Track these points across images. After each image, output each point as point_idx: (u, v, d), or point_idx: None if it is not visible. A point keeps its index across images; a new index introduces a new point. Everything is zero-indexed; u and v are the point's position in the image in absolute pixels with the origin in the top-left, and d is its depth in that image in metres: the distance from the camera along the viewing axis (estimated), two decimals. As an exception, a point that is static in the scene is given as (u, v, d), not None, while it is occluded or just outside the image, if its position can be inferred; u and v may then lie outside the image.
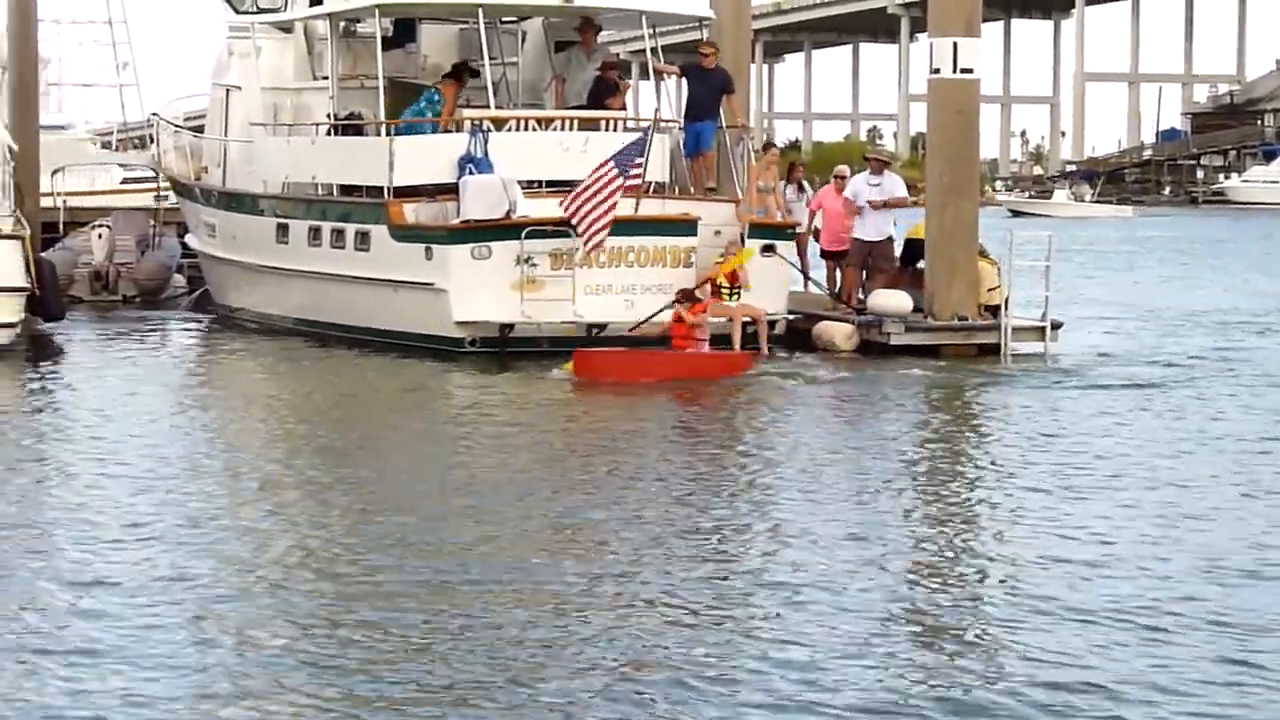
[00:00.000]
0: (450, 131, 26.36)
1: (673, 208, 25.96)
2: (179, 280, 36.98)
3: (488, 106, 26.29)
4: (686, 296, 23.34)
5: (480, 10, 26.56)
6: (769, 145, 26.56)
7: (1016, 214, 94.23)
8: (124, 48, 69.68)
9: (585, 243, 24.04)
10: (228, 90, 31.36)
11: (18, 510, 14.01)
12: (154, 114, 37.96)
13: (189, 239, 34.65)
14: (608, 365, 22.62)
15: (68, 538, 12.94)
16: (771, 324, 25.36)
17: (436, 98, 26.86)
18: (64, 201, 40.23)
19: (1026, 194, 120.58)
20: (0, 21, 35.68)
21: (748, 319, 24.86)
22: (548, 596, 11.15)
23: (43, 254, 29.23)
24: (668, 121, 27.57)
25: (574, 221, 24.01)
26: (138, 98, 68.64)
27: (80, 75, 70.15)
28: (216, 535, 13.10)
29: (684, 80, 27.96)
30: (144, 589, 11.36)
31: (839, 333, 25.53)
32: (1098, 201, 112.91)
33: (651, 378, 22.22)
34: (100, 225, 37.09)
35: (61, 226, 38.68)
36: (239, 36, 31.04)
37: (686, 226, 25.39)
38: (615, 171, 23.76)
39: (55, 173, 39.59)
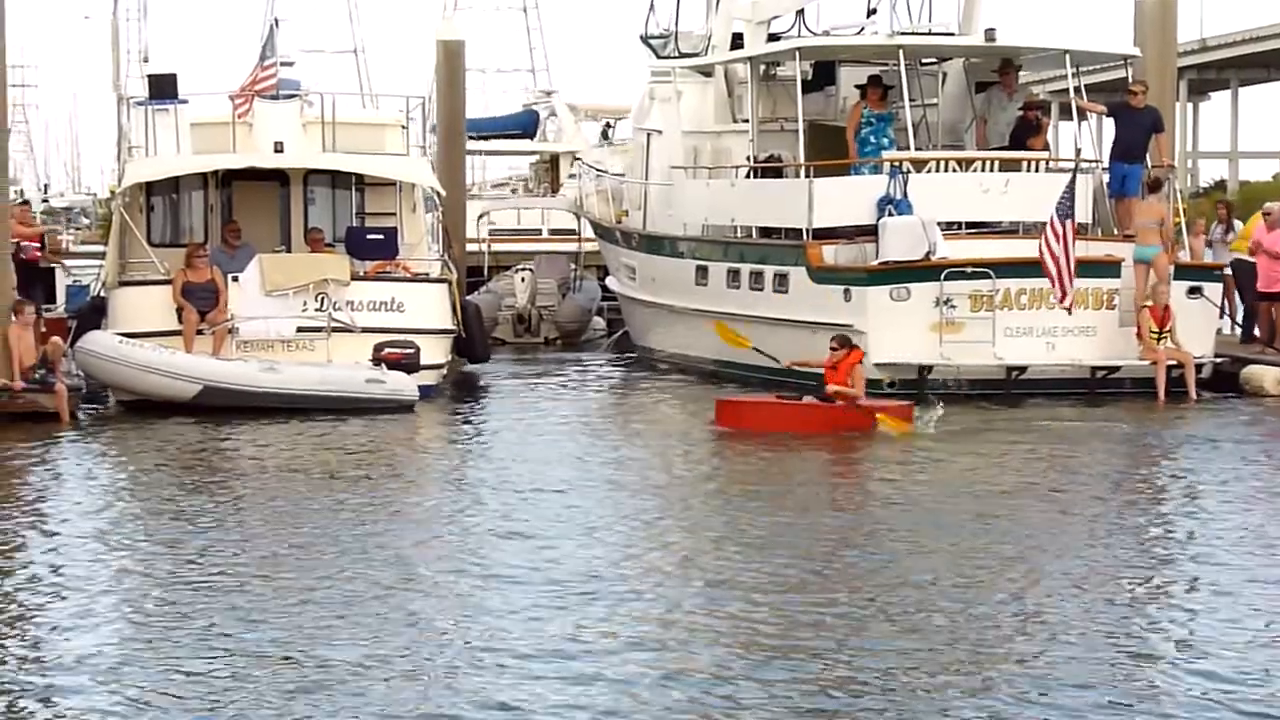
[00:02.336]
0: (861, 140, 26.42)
1: (1095, 249, 25.39)
2: (599, 323, 37.63)
3: (908, 148, 26.10)
4: (843, 343, 21.78)
5: (900, 51, 26.43)
6: (1157, 184, 25.72)
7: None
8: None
9: (1063, 297, 23.59)
10: (649, 134, 31.80)
11: (448, 557, 14.27)
12: (577, 158, 38.70)
13: (609, 281, 35.20)
14: (748, 415, 21.57)
15: (503, 579, 13.14)
16: (1199, 367, 24.61)
17: (880, 125, 26.80)
18: (488, 246, 41.31)
19: None
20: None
21: (1174, 362, 24.19)
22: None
23: (468, 297, 29.98)
24: (1090, 161, 27.02)
25: (1050, 276, 23.46)
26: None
27: (505, 123, 71.91)
28: (659, 566, 13.18)
29: (1109, 119, 27.39)
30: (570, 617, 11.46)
31: (1268, 377, 24.60)
32: None
33: (794, 429, 20.89)
34: (523, 269, 37.97)
35: (486, 270, 39.70)
36: (660, 81, 31.45)
37: (1110, 268, 24.85)
38: (1060, 219, 23.27)
39: (480, 217, 40.67)
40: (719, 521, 15.54)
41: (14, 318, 22.85)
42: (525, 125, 50.62)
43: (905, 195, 25.15)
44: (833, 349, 21.59)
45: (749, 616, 11.68)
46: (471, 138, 41.91)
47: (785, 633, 11.23)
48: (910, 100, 26.23)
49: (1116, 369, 24.63)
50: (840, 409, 21.34)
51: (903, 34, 27.54)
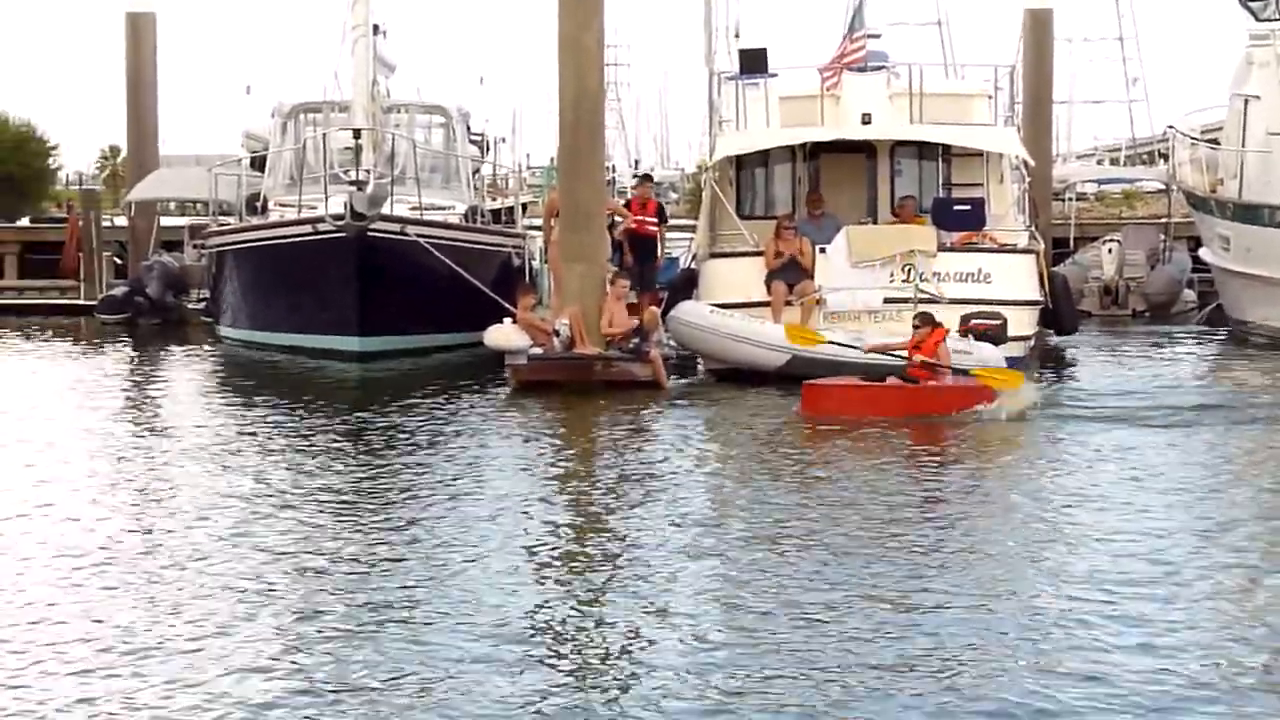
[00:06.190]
0: None
1: None
2: (1189, 295, 36.59)
3: None
4: (925, 321, 20.44)
5: None
6: None
7: None
8: (1134, 63, 69.78)
9: None
10: (1246, 100, 30.72)
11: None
12: (1170, 127, 37.71)
13: (1202, 252, 34.18)
14: (836, 400, 20.07)
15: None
16: None
17: None
18: (1075, 216, 40.70)
19: None
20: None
21: None
22: None
23: (1054, 269, 29.49)
24: None
25: None
26: (1146, 113, 68.61)
27: (1091, 93, 70.67)
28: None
29: None
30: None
31: None
32: None
33: (885, 413, 19.49)
34: (1110, 240, 37.28)
35: (1072, 241, 39.12)
36: (1259, 45, 30.35)
37: None
38: None
39: (1065, 189, 40.07)
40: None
41: (609, 288, 23.58)
42: None
43: None
44: (915, 326, 20.76)
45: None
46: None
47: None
48: None
49: None
50: (928, 390, 20.23)
51: None
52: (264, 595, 11.39)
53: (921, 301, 23.91)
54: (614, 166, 59.21)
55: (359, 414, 20.56)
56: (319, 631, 10.46)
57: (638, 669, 9.70)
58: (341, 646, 10.10)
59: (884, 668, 9.63)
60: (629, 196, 30.61)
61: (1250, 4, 31.21)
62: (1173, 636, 10.19)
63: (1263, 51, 30.27)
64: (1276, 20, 30.22)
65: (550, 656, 9.92)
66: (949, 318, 23.53)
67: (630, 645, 10.20)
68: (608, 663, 9.85)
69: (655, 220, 26.83)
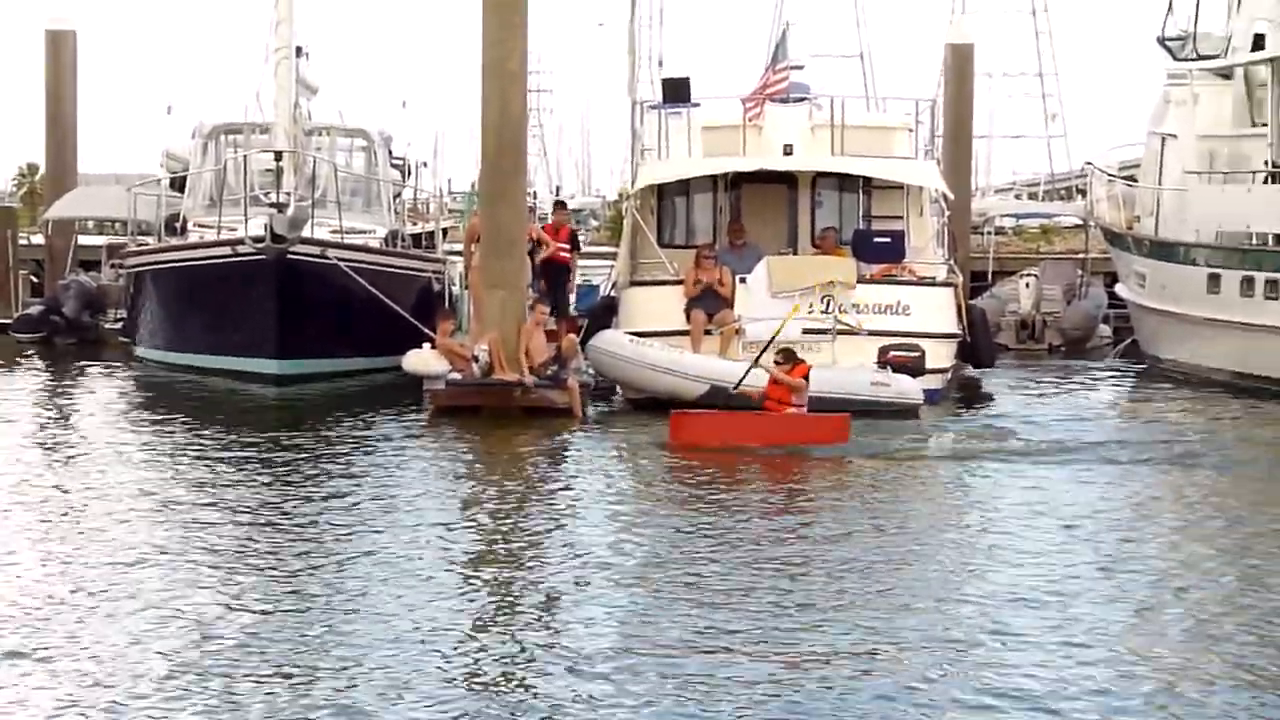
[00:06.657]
0: None
1: None
2: (1105, 330, 36.89)
3: None
4: (788, 357, 20.82)
5: None
6: None
7: None
8: (1053, 99, 70.36)
9: None
10: (1163, 139, 31.05)
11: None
12: (1088, 163, 38.07)
13: (1118, 288, 34.48)
14: (703, 429, 20.35)
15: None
16: None
17: None
18: (993, 250, 40.98)
19: None
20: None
21: None
22: None
23: (972, 302, 29.67)
24: None
25: None
26: (1065, 148, 69.16)
27: (1010, 127, 71.21)
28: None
29: None
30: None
31: None
32: None
33: (749, 443, 19.80)
34: (1027, 274, 37.55)
35: (990, 275, 39.38)
36: (1176, 84, 30.70)
37: None
38: None
39: (983, 223, 40.34)
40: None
41: (529, 315, 23.56)
42: None
43: None
44: (777, 362, 20.90)
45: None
46: None
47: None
48: None
49: None
50: (791, 419, 20.43)
51: None
52: (155, 620, 11.32)
53: (840, 333, 24.02)
54: (535, 193, 59.20)
55: (271, 437, 20.46)
56: (180, 668, 10.24)
57: (524, 703, 9.64)
58: (218, 681, 9.97)
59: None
60: (546, 222, 30.65)
61: (1168, 43, 31.56)
62: (1064, 685, 10.15)
63: (1180, 91, 30.61)
64: (1194, 60, 30.56)
65: (440, 689, 9.84)
66: (867, 349, 23.69)
67: (519, 677, 10.14)
68: (495, 695, 9.78)
69: (568, 246, 27.02)
